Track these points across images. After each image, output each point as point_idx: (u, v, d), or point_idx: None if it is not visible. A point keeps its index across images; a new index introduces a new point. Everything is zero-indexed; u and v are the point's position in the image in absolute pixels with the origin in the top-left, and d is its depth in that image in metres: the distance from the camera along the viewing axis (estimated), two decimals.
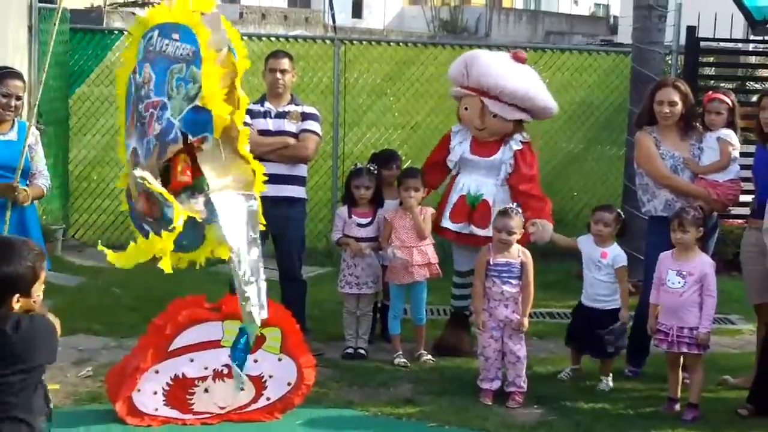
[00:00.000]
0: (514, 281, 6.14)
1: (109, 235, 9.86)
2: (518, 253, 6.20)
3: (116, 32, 10.48)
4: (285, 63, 6.88)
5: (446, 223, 6.95)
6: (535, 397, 6.16)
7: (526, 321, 6.16)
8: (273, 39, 10.63)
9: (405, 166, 7.79)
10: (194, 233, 5.00)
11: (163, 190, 4.62)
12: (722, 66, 11.31)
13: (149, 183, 4.43)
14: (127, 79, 5.14)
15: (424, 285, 6.94)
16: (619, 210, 6.73)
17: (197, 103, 4.68)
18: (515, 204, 6.37)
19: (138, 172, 4.44)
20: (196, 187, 4.80)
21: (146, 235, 5.03)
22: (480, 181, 6.92)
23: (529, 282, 6.17)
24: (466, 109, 7.03)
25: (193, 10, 4.79)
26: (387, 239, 6.87)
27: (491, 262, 6.16)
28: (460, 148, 7.01)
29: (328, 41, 10.64)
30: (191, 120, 4.60)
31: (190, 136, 4.56)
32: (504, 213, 6.23)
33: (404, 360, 6.82)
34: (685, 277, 5.94)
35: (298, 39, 10.76)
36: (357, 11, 44.40)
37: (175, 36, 4.67)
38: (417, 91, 10.64)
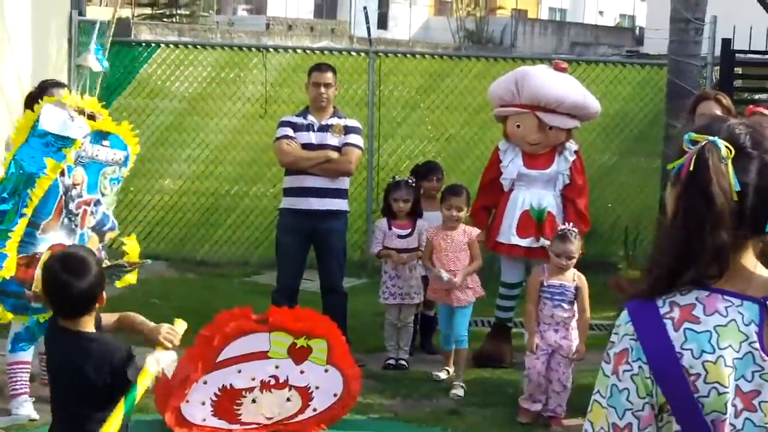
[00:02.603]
0: (566, 305, 6.05)
1: (146, 246, 9.94)
2: (573, 277, 6.11)
3: (152, 45, 10.60)
4: (329, 77, 6.95)
5: (514, 239, 6.97)
6: (580, 409, 6.16)
7: (583, 348, 6.08)
8: (308, 52, 10.72)
9: (447, 184, 7.75)
10: None
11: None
12: (757, 78, 11.30)
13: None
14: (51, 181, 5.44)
15: (469, 308, 6.79)
16: None
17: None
18: (571, 224, 6.34)
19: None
20: None
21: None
22: (540, 195, 6.98)
23: (585, 308, 6.10)
24: (518, 126, 7.08)
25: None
26: (429, 258, 6.77)
27: (545, 284, 6.08)
28: (513, 165, 7.06)
29: (362, 54, 10.71)
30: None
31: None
32: (563, 237, 6.11)
33: (444, 375, 6.82)
34: None
35: (333, 52, 10.83)
36: (383, 22, 44.51)
37: (105, 143, 5.41)
38: (451, 104, 10.68)
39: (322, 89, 6.93)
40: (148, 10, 33.51)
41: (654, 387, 1.97)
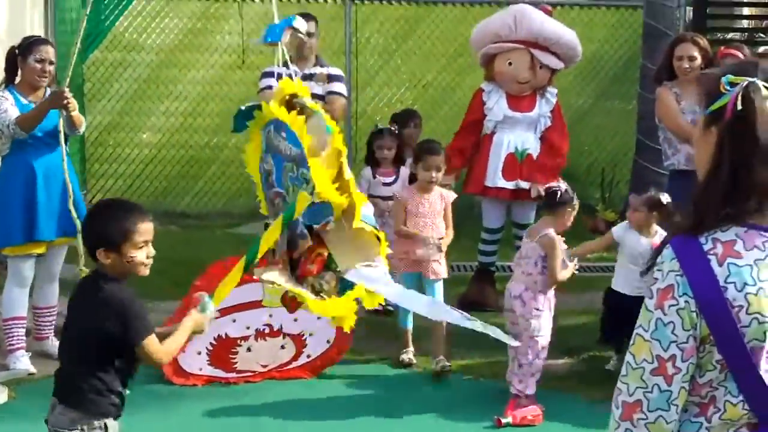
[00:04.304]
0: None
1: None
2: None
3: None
4: (312, 26, 6.97)
5: (500, 182, 7.05)
6: (565, 348, 6.32)
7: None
8: (284, 0, 10.67)
9: (425, 133, 7.58)
10: None
11: (295, 289, 4.64)
12: (730, 18, 11.39)
13: (278, 286, 4.48)
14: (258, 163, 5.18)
15: (441, 282, 6.21)
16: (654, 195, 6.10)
17: (314, 200, 4.80)
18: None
19: (266, 276, 4.48)
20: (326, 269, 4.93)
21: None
22: (523, 137, 7.07)
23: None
24: (509, 63, 7.14)
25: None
26: (404, 222, 6.17)
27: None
28: (498, 107, 7.12)
29: (338, 1, 10.69)
30: (311, 213, 4.77)
31: (314, 226, 4.69)
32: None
33: (411, 357, 6.18)
34: None
35: (309, 0, 10.79)
36: None
37: (283, 134, 4.84)
38: (429, 50, 10.71)
39: (304, 38, 6.94)
40: None
41: (699, 320, 2.09)
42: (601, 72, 10.85)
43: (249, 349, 5.78)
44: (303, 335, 5.85)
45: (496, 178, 7.09)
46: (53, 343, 6.19)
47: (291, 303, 5.59)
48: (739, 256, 2.09)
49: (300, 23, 5.40)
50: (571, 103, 10.90)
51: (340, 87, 7.01)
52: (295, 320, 5.77)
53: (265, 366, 5.82)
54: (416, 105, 10.30)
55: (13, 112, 5.79)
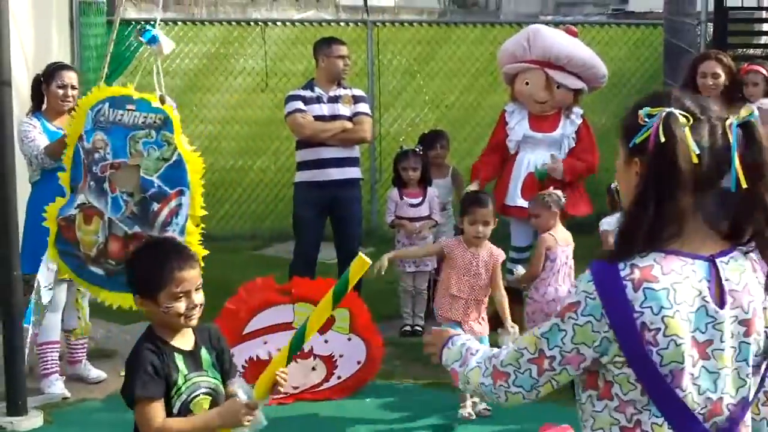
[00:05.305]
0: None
1: None
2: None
3: (151, 23, 10.61)
4: (346, 50, 7.11)
5: (519, 201, 7.05)
6: None
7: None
8: (306, 24, 10.77)
9: (467, 188, 6.95)
10: None
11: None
12: (749, 34, 11.40)
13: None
14: (74, 147, 5.49)
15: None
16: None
17: (173, 161, 5.20)
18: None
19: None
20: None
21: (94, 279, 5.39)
22: (545, 156, 7.06)
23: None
24: (526, 83, 7.14)
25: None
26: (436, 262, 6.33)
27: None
28: (519, 127, 7.10)
29: (359, 24, 10.76)
30: (167, 176, 5.13)
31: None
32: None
33: (471, 412, 5.72)
34: None
35: (331, 23, 10.89)
36: None
37: (130, 107, 5.19)
38: (450, 70, 10.77)
39: (346, 61, 7.10)
40: None
41: (611, 343, 2.20)
42: (623, 90, 10.85)
43: None
44: (334, 357, 5.88)
45: (515, 197, 7.09)
46: (86, 367, 6.25)
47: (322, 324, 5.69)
48: (656, 280, 2.17)
49: (163, 46, 5.45)
50: (593, 122, 10.81)
51: (365, 107, 7.15)
52: (326, 342, 5.81)
53: (296, 388, 5.84)
54: (439, 125, 10.33)
55: (42, 141, 5.92)
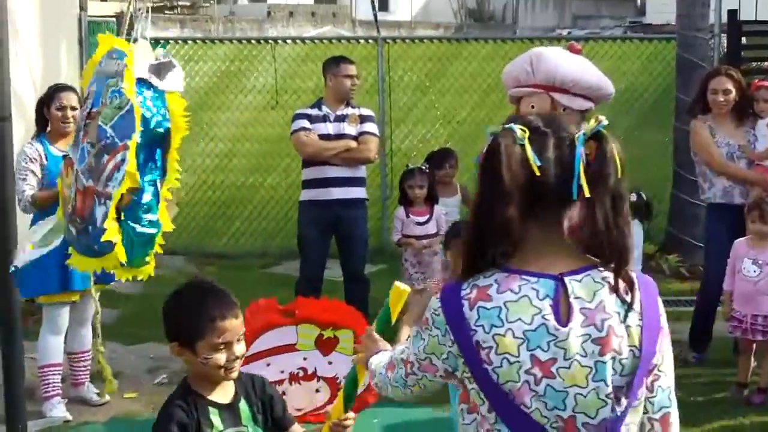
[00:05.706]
0: None
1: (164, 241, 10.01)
2: None
3: (161, 42, 10.63)
4: (354, 69, 7.08)
5: None
6: None
7: None
8: (316, 42, 10.77)
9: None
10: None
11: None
12: (765, 48, 11.29)
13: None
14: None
15: None
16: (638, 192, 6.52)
17: (125, 110, 4.76)
18: None
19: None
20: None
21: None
22: None
23: None
24: (532, 107, 7.08)
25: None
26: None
27: None
28: None
29: (370, 41, 10.74)
30: (119, 126, 4.72)
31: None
32: None
33: None
34: (762, 266, 6.03)
35: (342, 41, 10.88)
36: (383, 4, 44.43)
37: (114, 55, 4.93)
38: (461, 86, 10.74)
39: (354, 81, 7.06)
40: (148, 3, 33.38)
41: (458, 359, 2.25)
42: (636, 104, 10.79)
43: (284, 393, 5.71)
44: (337, 378, 5.80)
45: None
46: (89, 389, 6.21)
47: (325, 345, 5.63)
48: (489, 299, 2.19)
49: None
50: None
51: (372, 127, 7.08)
52: (330, 363, 5.73)
53: (299, 410, 5.76)
54: (450, 142, 10.33)
55: (30, 192, 5.81)
